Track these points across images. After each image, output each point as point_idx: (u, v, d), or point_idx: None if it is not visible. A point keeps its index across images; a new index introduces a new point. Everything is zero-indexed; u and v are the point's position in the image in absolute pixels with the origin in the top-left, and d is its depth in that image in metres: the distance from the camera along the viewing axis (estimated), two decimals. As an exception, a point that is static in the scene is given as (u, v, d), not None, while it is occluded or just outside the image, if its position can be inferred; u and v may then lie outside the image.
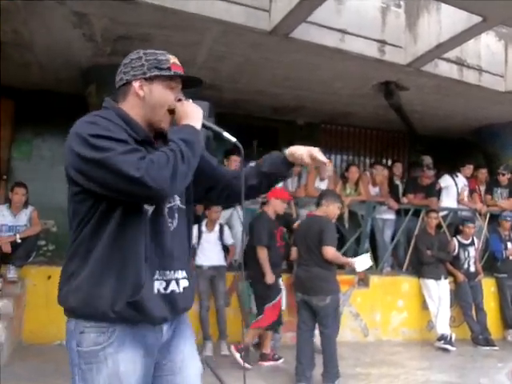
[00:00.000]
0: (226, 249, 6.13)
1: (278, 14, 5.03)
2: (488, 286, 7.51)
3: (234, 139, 1.91)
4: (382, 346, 6.74)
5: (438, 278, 7.00)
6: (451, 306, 7.03)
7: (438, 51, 5.99)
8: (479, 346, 6.84)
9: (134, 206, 1.71)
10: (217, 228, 6.04)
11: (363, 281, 7.07)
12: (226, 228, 6.16)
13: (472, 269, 7.33)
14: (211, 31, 5.22)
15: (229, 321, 5.86)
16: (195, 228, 5.97)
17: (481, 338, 6.93)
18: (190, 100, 1.85)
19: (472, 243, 7.42)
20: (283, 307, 5.78)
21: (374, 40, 5.87)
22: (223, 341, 5.73)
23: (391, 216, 7.84)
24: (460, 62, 6.62)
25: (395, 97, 7.13)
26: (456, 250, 7.33)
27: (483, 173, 8.38)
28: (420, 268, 7.18)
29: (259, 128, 8.73)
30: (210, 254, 5.92)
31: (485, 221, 8.06)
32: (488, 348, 6.79)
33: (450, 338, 6.65)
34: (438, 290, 6.98)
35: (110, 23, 5.13)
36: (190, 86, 1.91)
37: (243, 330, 5.80)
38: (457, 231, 7.59)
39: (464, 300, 7.15)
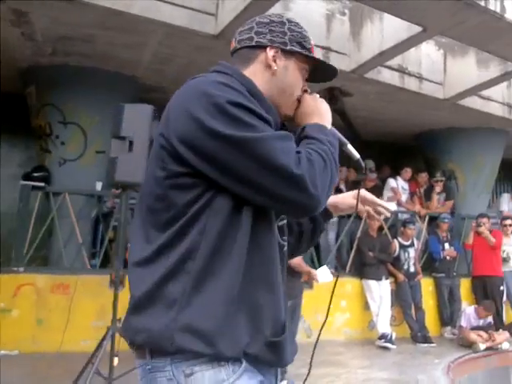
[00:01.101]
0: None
1: (225, 19, 5.04)
2: (426, 285, 7.78)
3: (357, 156, 1.49)
4: (324, 346, 6.86)
5: (379, 279, 7.20)
6: (392, 306, 7.24)
7: (381, 59, 6.17)
8: (418, 344, 7.06)
9: (263, 210, 1.27)
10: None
11: (307, 283, 7.16)
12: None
13: (412, 269, 7.58)
14: (156, 33, 5.18)
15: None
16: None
17: (419, 336, 7.17)
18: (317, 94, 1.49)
19: (412, 244, 7.67)
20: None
21: (319, 46, 5.97)
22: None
23: (334, 218, 7.98)
24: (401, 70, 6.84)
25: (339, 102, 7.26)
26: (397, 252, 7.55)
27: (423, 177, 8.68)
28: (362, 269, 7.36)
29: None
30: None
31: (424, 223, 8.34)
32: (426, 345, 7.03)
33: (391, 336, 6.85)
34: (380, 291, 7.17)
35: (52, 23, 5.00)
36: (314, 80, 1.50)
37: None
38: (397, 233, 7.83)
39: (404, 299, 7.38)
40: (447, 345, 7.24)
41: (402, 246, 7.59)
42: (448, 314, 7.74)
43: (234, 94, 1.20)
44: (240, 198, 1.22)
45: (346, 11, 6.14)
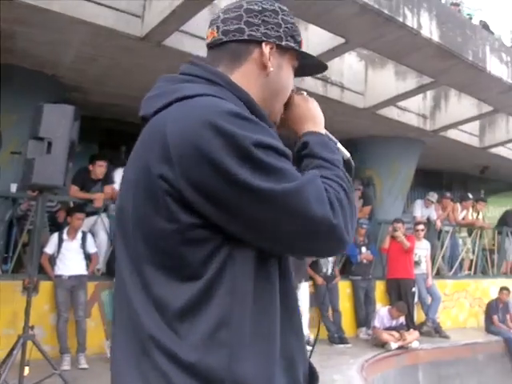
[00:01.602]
0: (88, 257, 5.89)
1: (151, 21, 4.96)
2: (344, 287, 8.04)
3: (347, 155, 1.28)
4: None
5: (298, 282, 7.35)
6: (310, 308, 7.42)
7: (305, 68, 6.30)
8: (334, 345, 7.29)
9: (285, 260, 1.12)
10: (79, 236, 5.78)
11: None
12: (89, 236, 5.92)
13: (330, 272, 7.80)
14: (79, 33, 5.01)
15: (89, 333, 5.65)
16: (55, 236, 5.69)
17: (336, 337, 7.40)
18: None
19: (331, 248, 7.89)
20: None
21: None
22: (82, 354, 5.49)
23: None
24: (324, 79, 7.02)
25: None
26: (316, 255, 7.74)
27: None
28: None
29: (128, 134, 8.46)
30: (70, 263, 5.64)
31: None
32: (342, 346, 7.27)
33: (309, 338, 7.02)
34: (299, 293, 7.33)
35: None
36: (299, 74, 1.29)
37: (106, 342, 5.64)
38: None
39: (322, 302, 7.59)
40: (362, 345, 7.51)
41: (321, 250, 7.78)
42: (363, 315, 8.04)
43: (257, 129, 1.00)
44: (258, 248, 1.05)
45: (273, 19, 6.21)
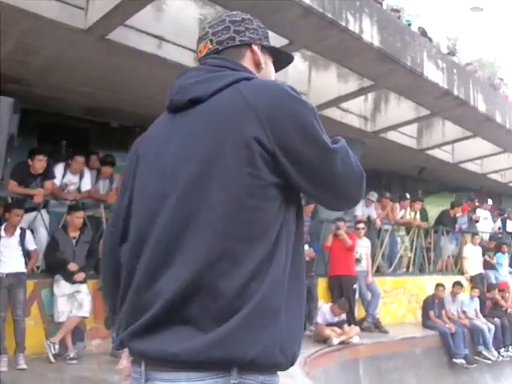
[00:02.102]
0: (27, 255, 5.73)
1: (95, 14, 4.90)
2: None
3: None
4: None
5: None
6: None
7: (250, 67, 6.37)
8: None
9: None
10: (17, 232, 5.60)
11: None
12: (28, 232, 5.74)
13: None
14: (19, 23, 4.86)
15: (28, 332, 5.48)
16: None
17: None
18: None
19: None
20: (87, 314, 5.68)
21: (191, 50, 6.02)
22: (21, 354, 5.33)
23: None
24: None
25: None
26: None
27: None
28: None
29: (69, 128, 8.31)
30: (8, 260, 5.46)
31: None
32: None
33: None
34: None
35: None
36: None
37: (45, 341, 5.50)
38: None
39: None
40: (305, 341, 7.52)
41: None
42: (306, 311, 8.07)
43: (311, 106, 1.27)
44: (298, 205, 1.31)
45: (219, 18, 6.25)
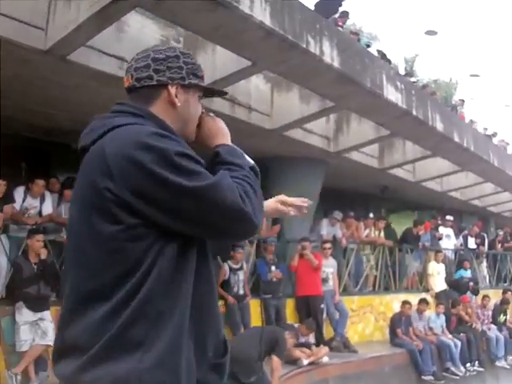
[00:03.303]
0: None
1: (55, 35, 4.86)
2: (255, 306, 8.06)
3: (252, 162, 1.51)
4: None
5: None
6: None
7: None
8: (246, 364, 7.27)
9: (203, 248, 1.40)
10: (-24, 259, 5.43)
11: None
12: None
13: (241, 291, 7.83)
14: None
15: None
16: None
17: (248, 356, 7.40)
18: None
19: (241, 268, 7.94)
20: (51, 342, 5.46)
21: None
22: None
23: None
24: (232, 99, 7.16)
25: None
26: (227, 275, 7.76)
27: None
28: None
29: (29, 149, 8.15)
30: (-34, 288, 5.27)
31: (252, 246, 8.70)
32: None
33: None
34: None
35: None
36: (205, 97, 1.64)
37: (6, 372, 5.28)
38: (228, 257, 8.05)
39: (233, 321, 7.57)
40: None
41: (231, 270, 7.81)
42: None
43: (175, 144, 1.31)
44: (185, 240, 1.33)
45: (181, 39, 6.28)
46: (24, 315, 5.50)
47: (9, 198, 6.07)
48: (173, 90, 1.46)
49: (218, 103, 6.83)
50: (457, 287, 11.49)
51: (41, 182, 6.38)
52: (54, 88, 6.13)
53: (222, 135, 1.54)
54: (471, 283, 11.58)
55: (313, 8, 7.14)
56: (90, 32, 4.87)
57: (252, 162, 1.50)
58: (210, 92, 1.61)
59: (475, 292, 11.55)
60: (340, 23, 8.28)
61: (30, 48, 4.86)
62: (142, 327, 1.26)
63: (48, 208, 6.50)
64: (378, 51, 9.61)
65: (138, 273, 1.27)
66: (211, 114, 1.59)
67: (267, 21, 5.23)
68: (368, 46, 8.91)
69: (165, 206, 1.27)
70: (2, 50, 4.92)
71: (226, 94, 1.71)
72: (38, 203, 6.43)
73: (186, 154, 1.30)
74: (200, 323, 1.36)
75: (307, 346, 7.55)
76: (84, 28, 4.74)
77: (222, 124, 1.58)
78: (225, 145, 1.50)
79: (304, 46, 5.83)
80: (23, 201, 6.30)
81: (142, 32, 5.79)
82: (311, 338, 7.98)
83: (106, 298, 1.27)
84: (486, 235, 14.26)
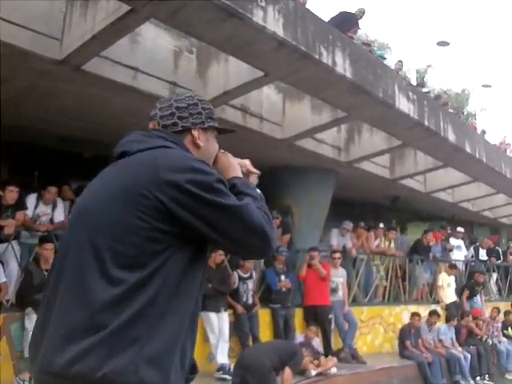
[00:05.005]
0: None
1: (71, 45, 4.91)
2: (264, 316, 8.06)
3: (259, 191, 1.73)
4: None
5: (218, 311, 7.28)
6: (230, 337, 7.37)
7: (225, 98, 6.44)
8: (254, 374, 7.25)
9: (203, 258, 1.58)
10: (-13, 265, 5.47)
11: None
12: (-2, 265, 5.61)
13: (250, 301, 7.82)
14: (-9, 52, 4.83)
15: (-4, 369, 5.30)
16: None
17: (256, 366, 7.37)
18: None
19: (251, 277, 7.94)
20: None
21: (166, 81, 6.06)
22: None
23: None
24: (244, 109, 7.19)
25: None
26: (236, 284, 7.75)
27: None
28: (202, 301, 7.38)
29: (42, 158, 8.20)
30: (-24, 293, 5.32)
31: (262, 255, 8.67)
32: (262, 374, 7.25)
33: (229, 367, 6.95)
34: (219, 323, 7.26)
35: None
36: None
37: (15, 378, 5.30)
38: (237, 265, 8.04)
39: (242, 331, 7.56)
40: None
41: (241, 279, 7.81)
42: (282, 342, 8.06)
43: (211, 170, 1.53)
44: (193, 251, 1.50)
45: (194, 49, 6.32)
46: (33, 321, 5.48)
47: (21, 204, 6.12)
48: (195, 133, 1.69)
49: (230, 113, 6.86)
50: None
51: (53, 190, 6.43)
52: (68, 97, 6.19)
53: (234, 168, 1.75)
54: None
55: (326, 20, 7.15)
56: (104, 42, 4.92)
57: (259, 191, 1.71)
58: (222, 131, 1.82)
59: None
60: (351, 34, 8.29)
61: (45, 58, 4.92)
62: (144, 324, 1.37)
63: (60, 215, 6.54)
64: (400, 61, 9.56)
65: (149, 270, 1.41)
66: (222, 151, 1.80)
67: (280, 32, 5.25)
68: (382, 56, 8.89)
69: (206, 219, 1.45)
70: (19, 60, 5.00)
71: (235, 131, 1.91)
72: (50, 210, 6.48)
73: (222, 179, 1.53)
74: (189, 334, 1.51)
75: (316, 355, 7.51)
76: (99, 38, 4.80)
77: (232, 158, 1.79)
78: (238, 177, 1.70)
79: (317, 56, 5.83)
80: (35, 208, 6.35)
81: (155, 43, 5.84)
82: (320, 347, 7.96)
83: (114, 289, 1.38)
84: (500, 250, 14.14)
